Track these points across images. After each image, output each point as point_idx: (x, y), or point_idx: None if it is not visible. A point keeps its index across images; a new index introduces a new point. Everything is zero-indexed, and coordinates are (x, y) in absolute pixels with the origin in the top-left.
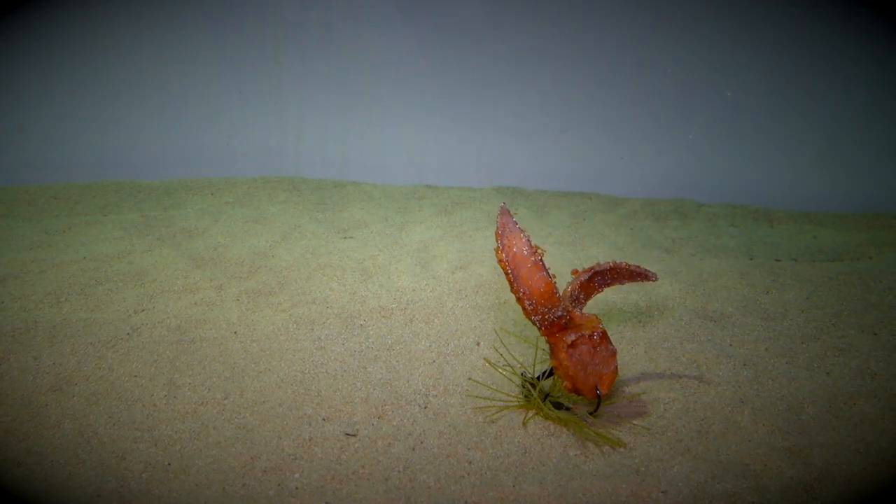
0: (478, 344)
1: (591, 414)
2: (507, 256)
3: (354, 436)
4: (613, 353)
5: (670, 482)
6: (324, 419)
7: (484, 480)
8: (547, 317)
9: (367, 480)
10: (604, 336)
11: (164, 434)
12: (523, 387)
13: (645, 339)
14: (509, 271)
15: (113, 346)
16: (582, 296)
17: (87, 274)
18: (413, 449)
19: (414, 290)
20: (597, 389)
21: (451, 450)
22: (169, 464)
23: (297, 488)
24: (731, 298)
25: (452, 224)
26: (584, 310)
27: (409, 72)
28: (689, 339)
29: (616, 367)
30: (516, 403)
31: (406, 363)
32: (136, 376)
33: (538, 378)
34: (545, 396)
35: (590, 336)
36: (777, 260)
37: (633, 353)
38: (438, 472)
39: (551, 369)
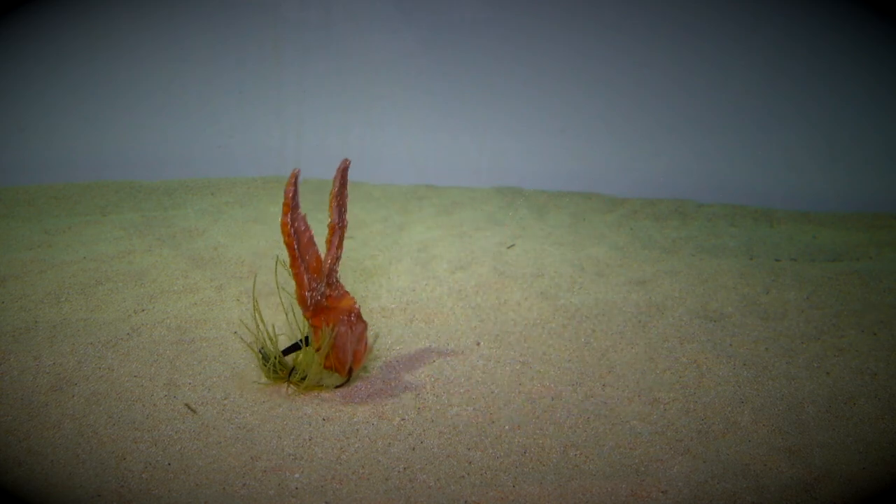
0: (478, 344)
1: (337, 387)
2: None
3: (194, 412)
4: (365, 328)
5: (670, 482)
6: (324, 419)
7: (484, 480)
8: (315, 294)
9: (367, 480)
10: (359, 315)
11: (164, 434)
12: (266, 362)
13: (645, 339)
14: (295, 245)
15: (113, 346)
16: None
17: (87, 274)
18: (413, 449)
19: (414, 290)
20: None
21: (451, 450)
22: (169, 464)
23: (297, 488)
24: (731, 298)
25: (452, 224)
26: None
27: (409, 72)
28: (689, 339)
29: (367, 344)
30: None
31: (405, 363)
32: (136, 376)
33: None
34: (291, 370)
35: (348, 317)
36: (777, 260)
37: (632, 353)
38: (438, 472)
39: (297, 344)
